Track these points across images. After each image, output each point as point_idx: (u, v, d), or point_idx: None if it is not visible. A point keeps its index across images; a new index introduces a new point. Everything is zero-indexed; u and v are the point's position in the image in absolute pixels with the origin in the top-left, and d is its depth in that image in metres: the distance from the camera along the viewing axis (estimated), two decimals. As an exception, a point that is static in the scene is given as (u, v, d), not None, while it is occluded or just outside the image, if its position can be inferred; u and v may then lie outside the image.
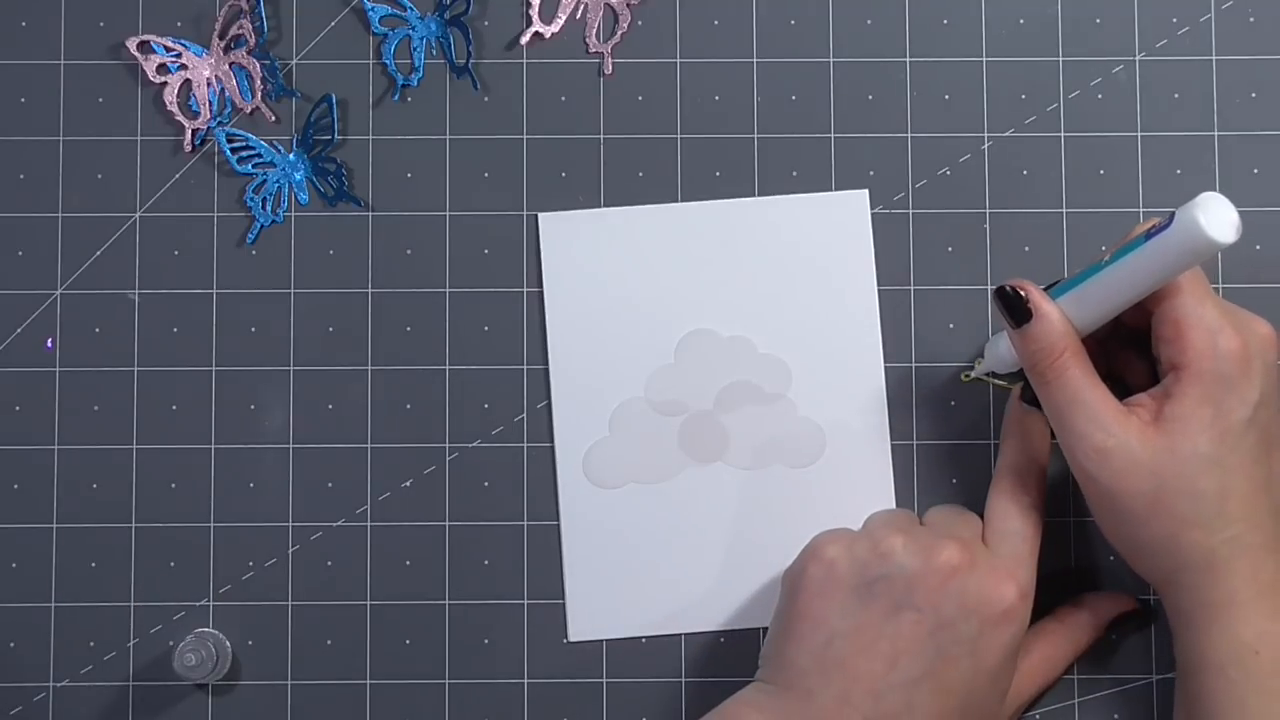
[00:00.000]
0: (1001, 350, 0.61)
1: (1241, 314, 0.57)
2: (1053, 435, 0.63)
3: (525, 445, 0.65)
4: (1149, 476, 0.56)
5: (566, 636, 0.64)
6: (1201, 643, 0.56)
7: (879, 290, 0.65)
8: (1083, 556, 0.64)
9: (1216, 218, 0.53)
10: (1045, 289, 0.58)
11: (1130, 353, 0.60)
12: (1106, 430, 0.56)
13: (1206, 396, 0.55)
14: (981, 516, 0.60)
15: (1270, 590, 0.56)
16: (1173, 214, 0.54)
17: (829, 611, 0.57)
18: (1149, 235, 0.55)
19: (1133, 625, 0.64)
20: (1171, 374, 0.57)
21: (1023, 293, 0.57)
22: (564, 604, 0.64)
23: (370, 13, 0.65)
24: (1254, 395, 0.56)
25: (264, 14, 0.65)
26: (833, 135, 0.65)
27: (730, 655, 0.64)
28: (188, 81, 0.66)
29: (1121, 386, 0.59)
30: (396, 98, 0.66)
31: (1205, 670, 0.56)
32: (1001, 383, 0.64)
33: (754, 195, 0.65)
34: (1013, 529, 0.59)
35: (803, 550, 0.59)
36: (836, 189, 0.65)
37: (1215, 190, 0.64)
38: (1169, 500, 0.56)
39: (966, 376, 0.64)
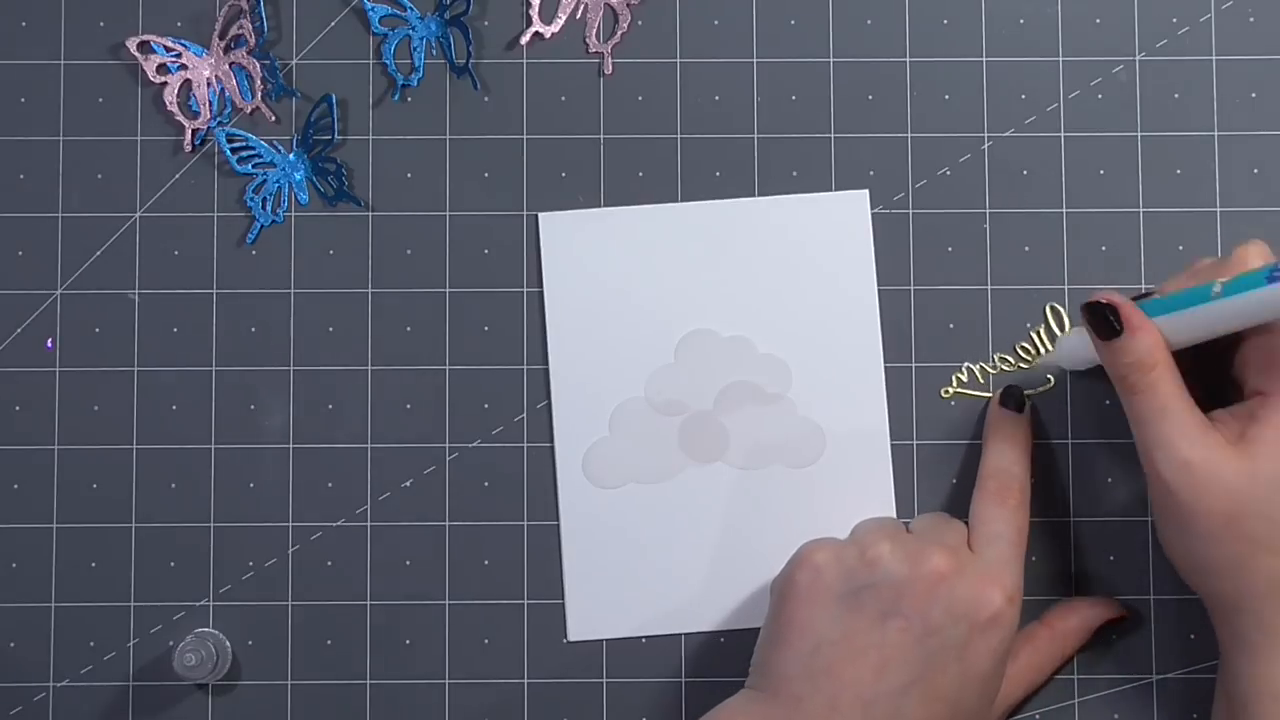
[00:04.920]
0: (1078, 349, 0.60)
1: None
2: (1035, 437, 0.63)
3: (525, 445, 0.65)
4: (1227, 495, 0.55)
5: (566, 636, 0.64)
6: (1261, 671, 0.56)
7: (879, 290, 0.65)
8: (1078, 558, 0.64)
9: None
10: (1136, 299, 0.57)
11: (1201, 365, 0.59)
12: (1192, 442, 0.55)
13: None
14: (966, 522, 0.60)
15: None
16: None
17: (817, 619, 0.57)
18: (1270, 276, 0.53)
19: (1130, 626, 0.63)
20: (1258, 398, 0.56)
21: (1110, 310, 0.56)
22: (564, 604, 0.64)
23: (370, 13, 0.65)
24: None
25: (264, 14, 0.65)
26: (833, 135, 0.65)
27: (730, 655, 0.64)
28: (188, 81, 0.66)
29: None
30: (396, 98, 0.66)
31: (1262, 699, 0.56)
32: (983, 394, 0.64)
33: (754, 195, 0.65)
34: (997, 533, 0.59)
35: (790, 558, 0.59)
36: (836, 189, 0.65)
37: (1215, 189, 0.65)
38: (1244, 521, 0.55)
39: (946, 392, 0.64)
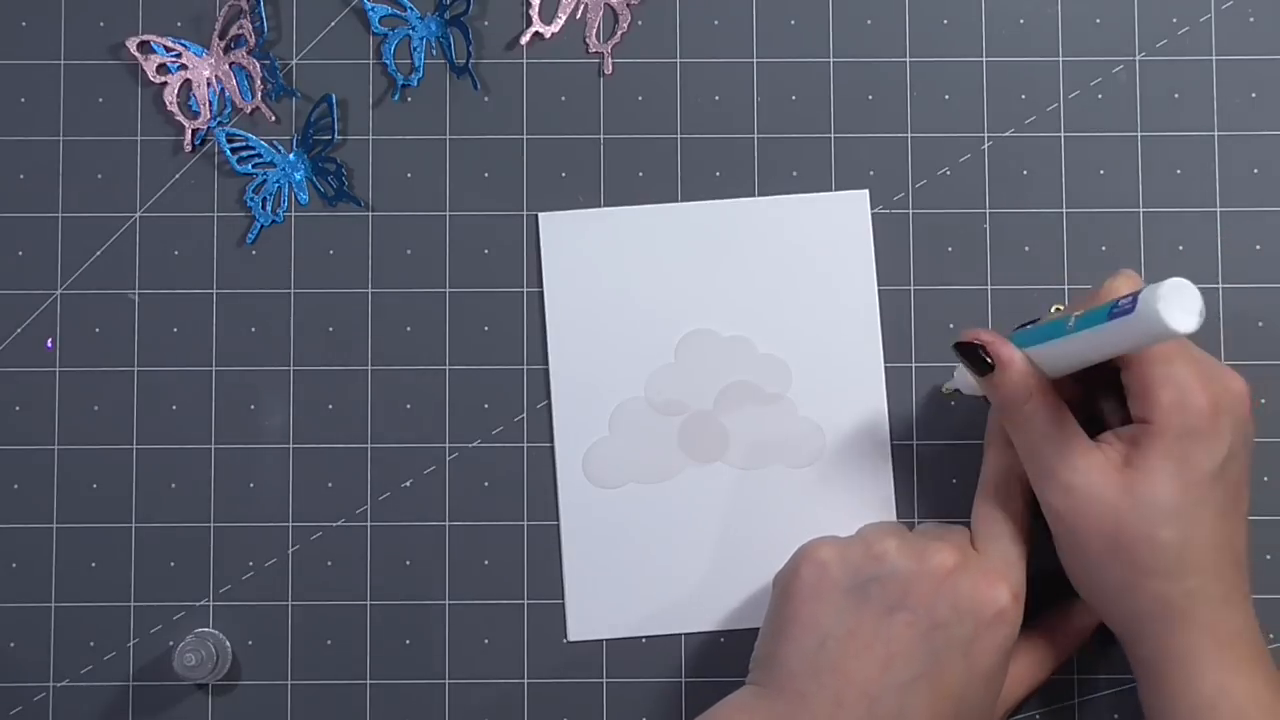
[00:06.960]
0: (970, 376, 0.60)
1: (1214, 368, 0.57)
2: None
3: (525, 445, 0.65)
4: (1110, 518, 0.55)
5: (566, 636, 0.64)
6: (1163, 694, 0.56)
7: (879, 290, 0.65)
8: (1083, 556, 0.64)
9: (1179, 308, 0.51)
10: (1018, 327, 0.58)
11: (1104, 388, 0.59)
12: (1073, 467, 0.56)
13: (1171, 451, 0.55)
14: (969, 525, 0.60)
15: (1229, 643, 0.55)
16: (1136, 297, 0.52)
17: (822, 613, 0.57)
18: (1111, 312, 0.53)
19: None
20: (1140, 425, 0.56)
21: (980, 346, 0.57)
22: (564, 604, 0.64)
23: (370, 13, 0.65)
24: (1221, 450, 0.55)
25: (264, 14, 0.65)
26: (833, 135, 0.65)
27: (730, 655, 0.64)
28: (188, 81, 0.66)
29: (1095, 421, 0.58)
30: (396, 98, 0.66)
31: None
32: (980, 393, 0.64)
33: (754, 195, 0.65)
34: (1001, 533, 0.59)
35: (794, 554, 0.59)
36: (836, 189, 0.65)
37: (1215, 189, 0.65)
38: (1128, 546, 0.55)
39: (946, 390, 0.64)
